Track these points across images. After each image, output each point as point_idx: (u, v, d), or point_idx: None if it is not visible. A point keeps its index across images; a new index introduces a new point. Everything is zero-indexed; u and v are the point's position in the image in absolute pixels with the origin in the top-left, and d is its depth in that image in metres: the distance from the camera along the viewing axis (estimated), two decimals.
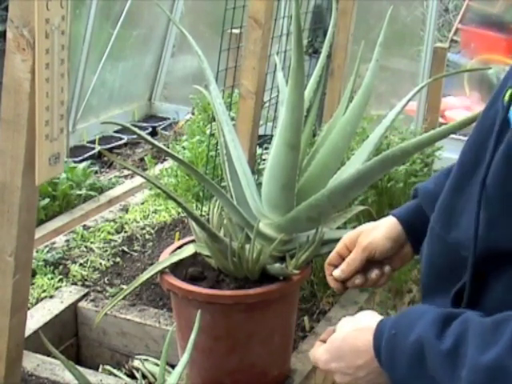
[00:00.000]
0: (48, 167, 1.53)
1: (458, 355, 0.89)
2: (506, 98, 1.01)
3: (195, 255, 1.84)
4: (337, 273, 1.35)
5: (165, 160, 3.68)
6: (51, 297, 2.30)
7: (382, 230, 1.32)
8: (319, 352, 1.13)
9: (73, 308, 2.28)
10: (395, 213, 1.36)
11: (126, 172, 3.87)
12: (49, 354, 1.96)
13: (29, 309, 2.11)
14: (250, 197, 1.85)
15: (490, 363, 0.87)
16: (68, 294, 2.31)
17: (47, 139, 1.50)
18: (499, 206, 0.97)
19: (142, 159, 4.12)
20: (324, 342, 1.16)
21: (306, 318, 2.22)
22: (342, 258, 1.35)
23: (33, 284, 2.32)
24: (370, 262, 1.34)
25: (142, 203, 3.01)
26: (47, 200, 2.99)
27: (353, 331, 1.06)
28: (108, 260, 2.54)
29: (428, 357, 0.93)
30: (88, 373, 1.92)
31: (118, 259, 2.55)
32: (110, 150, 4.30)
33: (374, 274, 1.34)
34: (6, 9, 1.47)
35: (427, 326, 0.94)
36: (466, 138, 1.14)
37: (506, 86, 1.03)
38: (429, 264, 1.13)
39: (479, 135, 1.07)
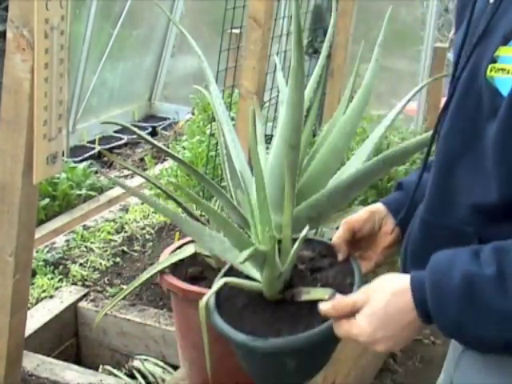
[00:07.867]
0: (45, 166, 1.52)
1: (505, 277, 0.96)
2: (489, 73, 1.00)
3: (195, 255, 1.84)
4: None
5: (165, 160, 3.68)
6: (51, 297, 2.30)
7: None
8: (358, 327, 1.08)
9: (73, 308, 2.28)
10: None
11: (125, 172, 3.87)
12: (49, 354, 1.96)
13: (29, 309, 2.11)
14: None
15: None
16: (68, 294, 2.31)
17: (45, 139, 1.50)
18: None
19: (142, 159, 4.12)
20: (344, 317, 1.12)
21: None
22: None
23: (33, 284, 2.31)
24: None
25: (142, 203, 3.01)
26: (47, 200, 2.99)
27: (391, 297, 1.05)
28: (108, 260, 2.54)
29: (477, 288, 0.97)
30: (88, 373, 1.92)
31: (117, 259, 2.55)
32: (110, 150, 4.30)
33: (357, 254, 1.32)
34: (6, 9, 1.47)
35: (467, 263, 0.98)
36: None
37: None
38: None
39: (464, 117, 1.07)
